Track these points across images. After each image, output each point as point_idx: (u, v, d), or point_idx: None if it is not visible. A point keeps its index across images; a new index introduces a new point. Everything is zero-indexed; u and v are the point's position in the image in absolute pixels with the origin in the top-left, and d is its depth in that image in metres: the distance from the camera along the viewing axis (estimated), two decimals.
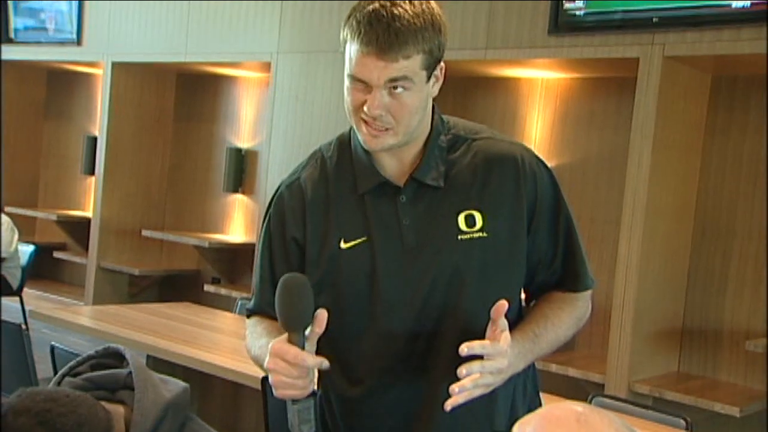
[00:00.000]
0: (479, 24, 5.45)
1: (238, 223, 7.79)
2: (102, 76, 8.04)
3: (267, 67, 6.76)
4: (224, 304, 6.28)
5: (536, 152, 1.88)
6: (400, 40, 1.61)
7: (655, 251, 4.92)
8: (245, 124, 7.79)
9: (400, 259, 1.76)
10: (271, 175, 6.60)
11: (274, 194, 1.92)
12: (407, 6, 1.64)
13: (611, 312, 4.91)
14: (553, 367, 5.15)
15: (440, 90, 1.78)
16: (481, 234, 1.75)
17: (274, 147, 6.61)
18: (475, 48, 5.46)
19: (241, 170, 7.61)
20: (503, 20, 5.36)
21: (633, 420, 3.20)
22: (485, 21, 5.44)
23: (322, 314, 1.62)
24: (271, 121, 6.65)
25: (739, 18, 4.50)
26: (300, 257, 1.83)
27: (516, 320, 1.82)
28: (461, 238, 1.75)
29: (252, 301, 1.95)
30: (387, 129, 1.68)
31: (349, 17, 1.67)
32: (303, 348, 1.60)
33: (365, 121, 1.69)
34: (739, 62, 4.87)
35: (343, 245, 1.78)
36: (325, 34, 6.20)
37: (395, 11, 1.62)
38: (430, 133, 1.78)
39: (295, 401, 1.61)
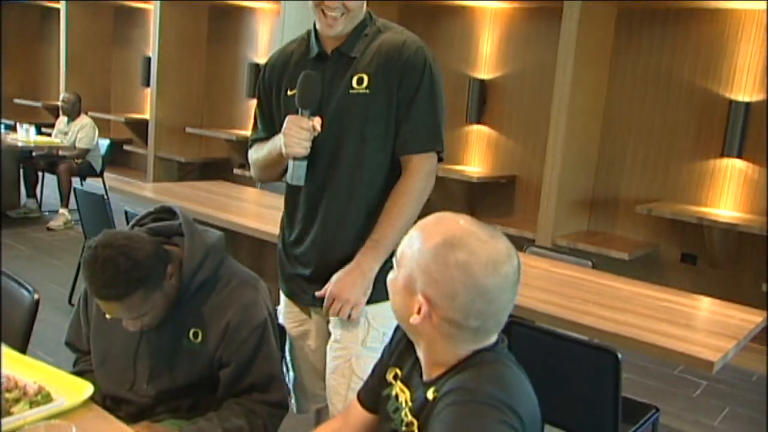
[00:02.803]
0: None
1: None
2: (153, 10, 7.83)
3: None
4: (248, 182, 6.19)
5: (426, 47, 1.82)
6: None
7: (574, 141, 4.89)
8: (261, 44, 7.62)
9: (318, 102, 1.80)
10: None
11: (264, 64, 2.00)
12: None
13: (541, 185, 4.91)
14: (498, 227, 5.10)
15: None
16: (365, 90, 1.77)
17: None
18: None
19: None
20: None
21: (555, 262, 3.19)
22: None
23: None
24: (281, 42, 6.42)
25: None
26: (268, 100, 1.94)
27: (386, 176, 1.82)
28: (350, 93, 1.78)
29: (251, 137, 2.01)
30: (342, 15, 1.74)
31: None
32: (310, 119, 1.74)
33: (324, 14, 1.75)
34: None
35: (289, 93, 1.85)
36: None
37: None
38: (359, 23, 1.81)
39: (296, 159, 1.75)
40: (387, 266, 1.73)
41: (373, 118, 1.77)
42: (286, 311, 2.01)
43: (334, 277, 1.78)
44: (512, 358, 1.23)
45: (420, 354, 1.27)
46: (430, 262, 1.16)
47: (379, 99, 1.77)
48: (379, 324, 1.80)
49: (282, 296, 2.02)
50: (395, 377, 1.36)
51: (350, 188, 1.80)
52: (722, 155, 4.70)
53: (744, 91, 4.62)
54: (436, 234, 1.19)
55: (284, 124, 1.75)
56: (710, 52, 4.75)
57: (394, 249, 1.74)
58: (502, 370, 1.18)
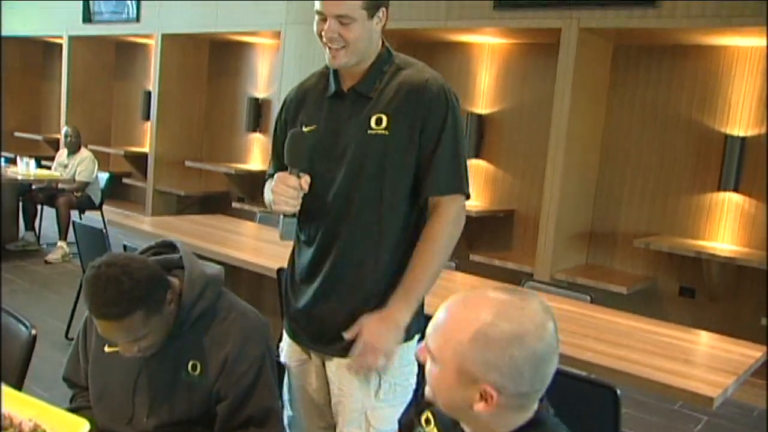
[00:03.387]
0: (441, 1, 5.33)
1: (257, 155, 7.71)
2: (154, 45, 7.93)
3: (278, 35, 6.63)
4: (247, 217, 6.21)
5: (448, 86, 1.79)
6: None
7: (572, 174, 4.91)
8: (261, 79, 7.69)
9: (332, 141, 1.79)
10: None
11: (282, 100, 1.98)
12: None
13: (539, 220, 4.93)
14: (496, 262, 5.17)
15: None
16: (384, 131, 1.74)
17: (283, 96, 6.46)
18: (437, 19, 5.34)
19: (258, 114, 7.58)
20: None
21: (553, 297, 3.19)
22: None
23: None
24: (280, 76, 6.52)
25: (633, 1, 4.50)
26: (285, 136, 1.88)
27: (402, 220, 1.78)
28: (368, 133, 1.75)
29: (268, 171, 1.99)
30: (342, 48, 1.72)
31: None
32: (298, 178, 1.72)
33: (328, 46, 1.74)
34: (633, 34, 4.82)
35: (305, 129, 1.82)
36: None
37: None
38: (375, 61, 1.79)
39: (285, 216, 1.77)
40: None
41: (392, 159, 1.74)
42: (288, 349, 1.98)
43: (365, 324, 1.70)
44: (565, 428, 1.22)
45: (473, 428, 1.22)
46: (482, 349, 1.10)
47: (399, 140, 1.73)
48: (390, 375, 1.77)
49: (284, 334, 1.99)
50: (427, 421, 1.33)
51: (365, 229, 1.76)
52: (719, 189, 4.73)
53: (739, 125, 4.67)
54: (473, 319, 1.12)
55: (273, 181, 1.75)
56: (705, 87, 4.81)
57: (424, 297, 1.73)
58: None
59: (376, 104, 1.76)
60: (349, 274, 1.78)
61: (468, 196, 1.79)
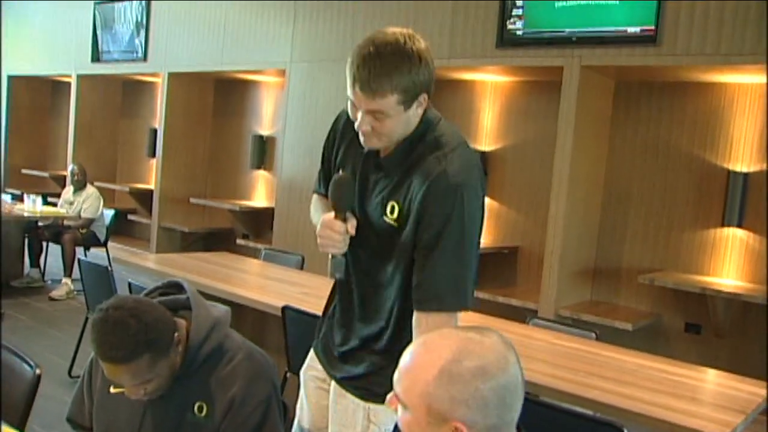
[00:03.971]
0: (444, 39, 5.41)
1: (261, 192, 7.74)
2: (161, 83, 8.02)
3: (282, 73, 6.70)
4: (251, 254, 6.22)
5: (470, 185, 1.64)
6: (378, 84, 1.54)
7: (575, 210, 4.92)
8: (266, 117, 7.75)
9: (360, 203, 1.76)
10: (286, 155, 6.56)
11: (340, 112, 1.89)
12: (391, 56, 1.55)
13: (543, 256, 4.92)
14: (500, 298, 5.15)
15: None
16: (394, 222, 1.69)
17: (288, 134, 6.55)
18: (441, 57, 5.39)
19: (263, 152, 7.63)
20: (462, 36, 5.33)
21: (558, 334, 3.18)
22: (449, 37, 5.40)
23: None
24: (285, 114, 6.58)
25: (634, 39, 4.56)
26: (331, 158, 1.89)
27: (399, 304, 1.73)
28: (384, 218, 1.71)
29: (315, 185, 1.98)
30: (374, 137, 1.65)
31: (352, 53, 1.60)
32: (344, 222, 1.71)
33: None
34: (634, 72, 4.87)
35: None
36: (326, 48, 6.13)
37: (379, 59, 1.54)
38: (410, 135, 1.68)
39: (333, 256, 1.78)
40: (386, 365, 1.69)
41: (400, 251, 1.69)
42: (311, 363, 1.98)
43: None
44: None
45: None
46: (447, 386, 1.12)
47: (406, 234, 1.67)
48: (380, 421, 1.76)
49: (312, 352, 1.98)
50: None
51: (384, 295, 1.75)
52: (723, 224, 4.73)
53: (741, 161, 4.69)
54: (435, 359, 1.15)
55: (318, 225, 1.74)
56: (707, 124, 4.84)
57: None
58: None
59: (395, 189, 1.69)
60: (369, 313, 1.80)
61: (465, 308, 1.66)
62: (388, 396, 1.22)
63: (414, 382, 1.15)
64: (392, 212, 1.68)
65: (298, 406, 2.01)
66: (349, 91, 1.61)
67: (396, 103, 1.57)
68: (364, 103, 1.58)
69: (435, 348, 1.16)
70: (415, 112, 1.64)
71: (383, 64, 1.54)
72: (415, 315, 1.65)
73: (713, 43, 4.25)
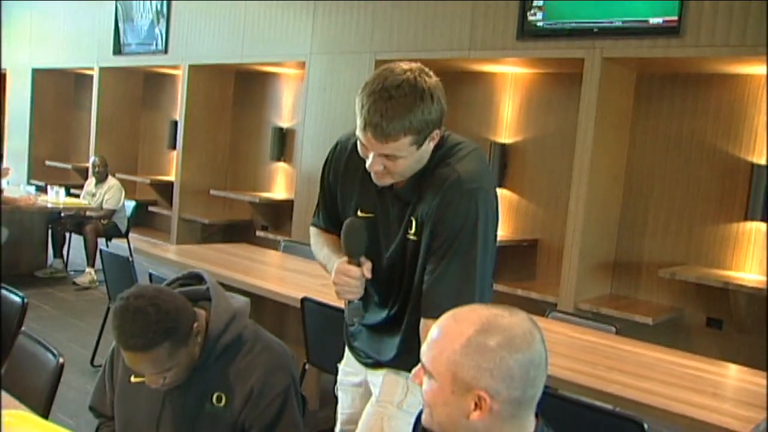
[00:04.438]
0: (464, 32, 5.37)
1: (281, 184, 7.77)
2: (181, 75, 8.05)
3: (302, 65, 6.70)
4: (271, 245, 6.24)
5: (484, 189, 1.64)
6: (390, 128, 1.51)
7: (596, 204, 4.88)
8: (285, 109, 7.76)
9: (385, 232, 1.76)
10: (305, 147, 6.57)
11: (333, 147, 1.89)
12: (403, 98, 1.51)
13: (563, 249, 4.89)
14: (519, 291, 5.13)
15: None
16: (413, 237, 1.70)
17: (307, 126, 6.55)
18: (461, 49, 5.37)
19: (283, 144, 7.64)
20: (482, 29, 5.28)
21: (578, 328, 3.16)
22: (469, 29, 5.35)
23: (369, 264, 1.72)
24: (305, 106, 6.59)
25: (656, 31, 4.49)
26: (332, 195, 1.88)
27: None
28: (407, 237, 1.72)
29: (314, 217, 1.97)
30: (386, 175, 1.64)
31: (361, 91, 1.56)
32: (360, 266, 1.70)
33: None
34: (656, 63, 4.80)
35: (359, 213, 1.78)
36: (346, 40, 6.11)
37: (390, 103, 1.50)
38: (423, 166, 1.68)
39: (350, 302, 1.74)
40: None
41: (419, 267, 1.70)
42: (346, 363, 2.03)
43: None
44: None
45: None
46: (474, 355, 1.15)
47: (423, 248, 1.68)
48: (419, 391, 1.78)
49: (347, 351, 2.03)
50: None
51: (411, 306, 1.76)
52: (746, 218, 4.67)
53: (766, 154, 4.62)
54: (464, 330, 1.18)
55: (333, 273, 1.72)
56: (731, 116, 4.77)
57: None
58: None
59: (414, 207, 1.70)
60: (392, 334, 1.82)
61: None
62: (414, 369, 1.25)
63: (441, 351, 1.19)
64: (411, 228, 1.70)
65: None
66: (359, 132, 1.57)
67: (409, 144, 1.55)
68: (376, 147, 1.56)
69: (464, 319, 1.20)
70: (428, 148, 1.63)
71: (395, 106, 1.50)
72: (422, 320, 1.66)
73: (738, 34, 4.18)
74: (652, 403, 2.19)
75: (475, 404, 1.16)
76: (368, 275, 1.70)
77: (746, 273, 4.67)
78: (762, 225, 4.62)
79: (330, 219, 1.90)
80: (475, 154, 1.71)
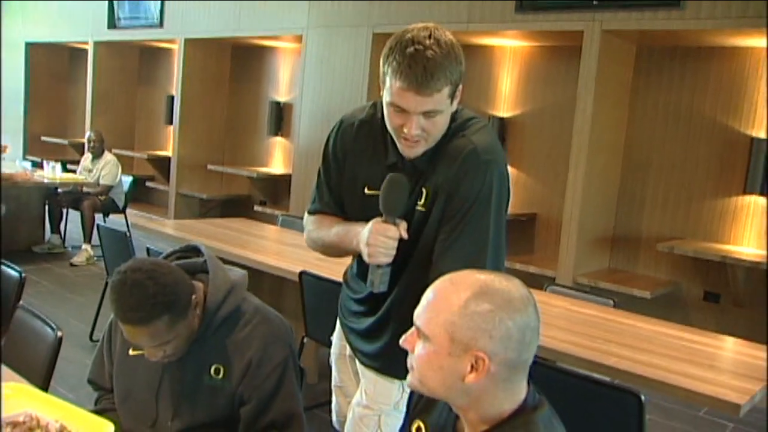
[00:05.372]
0: (463, 4, 5.32)
1: (279, 158, 7.74)
2: (177, 50, 7.99)
3: (299, 39, 6.64)
4: (269, 220, 6.24)
5: (500, 161, 1.64)
6: (435, 79, 1.52)
7: (594, 177, 4.88)
8: (283, 83, 7.71)
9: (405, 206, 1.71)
10: (303, 122, 6.53)
11: (335, 127, 1.86)
12: (437, 48, 1.52)
13: (561, 223, 4.90)
14: (517, 265, 5.14)
15: None
16: (421, 208, 1.68)
17: (305, 100, 6.51)
18: (459, 22, 5.32)
19: (280, 118, 7.59)
20: (481, 1, 5.23)
21: (576, 301, 3.17)
22: (467, 1, 5.30)
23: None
24: (302, 80, 6.54)
25: (656, 2, 4.45)
26: (339, 174, 1.82)
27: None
28: (416, 209, 1.69)
29: (311, 204, 1.89)
30: (422, 140, 1.62)
31: (388, 55, 1.55)
32: (396, 225, 1.63)
33: (404, 137, 1.62)
34: (656, 36, 4.76)
35: (366, 191, 1.74)
36: (344, 12, 6.05)
37: (428, 54, 1.51)
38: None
39: (379, 266, 1.63)
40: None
41: (426, 238, 1.66)
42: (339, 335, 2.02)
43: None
44: (558, 421, 1.24)
45: (464, 414, 1.24)
46: (473, 316, 1.15)
47: (433, 219, 1.65)
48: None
49: (338, 325, 2.01)
50: (419, 430, 1.35)
51: (411, 284, 1.68)
52: (744, 192, 4.66)
53: (765, 128, 4.60)
54: (461, 291, 1.18)
55: (366, 233, 1.63)
56: (731, 90, 4.75)
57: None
58: None
59: (427, 178, 1.68)
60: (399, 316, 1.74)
61: None
62: (405, 335, 1.24)
63: (438, 313, 1.18)
64: (420, 198, 1.67)
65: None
66: (393, 98, 1.57)
67: (447, 95, 1.56)
68: (419, 104, 1.54)
69: (461, 281, 1.20)
70: (454, 107, 1.63)
71: (434, 56, 1.51)
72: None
73: (740, 6, 4.14)
74: (649, 375, 2.21)
75: (472, 366, 1.16)
76: (405, 235, 1.62)
77: (744, 247, 4.68)
78: (760, 199, 4.62)
79: (337, 202, 1.83)
80: (488, 128, 1.74)
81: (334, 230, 1.78)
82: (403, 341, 1.24)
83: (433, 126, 1.59)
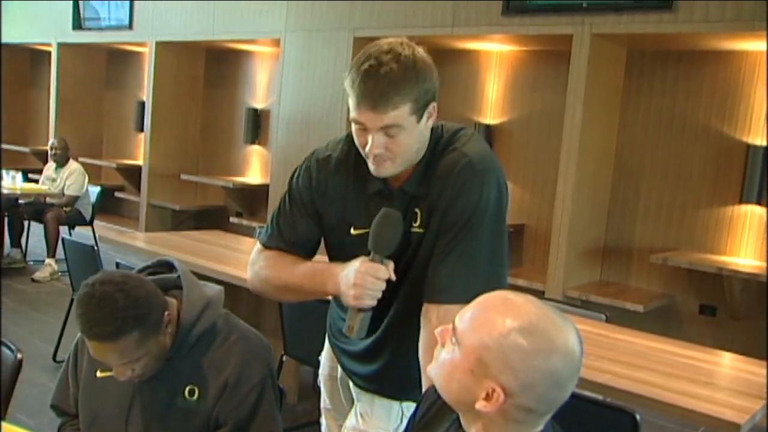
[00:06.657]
0: (447, 7, 5.35)
1: (256, 168, 7.73)
2: (148, 53, 7.97)
3: (277, 42, 6.64)
4: (245, 232, 6.22)
5: (497, 172, 1.62)
6: (388, 96, 1.50)
7: (585, 186, 4.91)
8: (260, 89, 7.71)
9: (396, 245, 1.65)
10: (281, 130, 6.53)
11: (307, 161, 1.80)
12: (394, 65, 1.50)
13: (551, 234, 4.92)
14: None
15: None
16: (419, 230, 1.64)
17: (283, 107, 6.51)
18: (444, 26, 5.35)
19: (257, 126, 7.59)
20: (466, 4, 5.27)
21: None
22: (452, 4, 5.34)
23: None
24: (280, 86, 6.54)
25: (648, 5, 4.52)
26: (315, 215, 1.76)
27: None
28: (411, 231, 1.65)
29: (268, 237, 1.81)
30: (387, 160, 1.58)
31: (349, 71, 1.55)
32: (384, 265, 1.57)
33: (370, 156, 1.59)
34: (648, 40, 4.83)
35: (353, 231, 1.69)
36: (324, 15, 6.06)
37: (382, 71, 1.50)
38: (423, 156, 1.64)
39: (361, 310, 1.57)
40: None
41: (423, 260, 1.63)
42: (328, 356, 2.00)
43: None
44: None
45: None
46: (508, 349, 1.12)
47: (429, 236, 1.62)
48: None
49: (327, 345, 1.99)
50: None
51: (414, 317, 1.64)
52: (741, 201, 4.71)
53: (762, 134, 4.66)
54: (508, 318, 1.15)
55: (352, 273, 1.56)
56: (726, 95, 4.80)
57: None
58: None
59: (420, 199, 1.64)
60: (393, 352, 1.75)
61: None
62: (441, 327, 1.23)
63: (477, 328, 1.16)
64: (416, 220, 1.64)
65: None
66: (354, 114, 1.56)
67: (409, 113, 1.54)
68: (375, 120, 1.53)
69: (514, 308, 1.17)
70: (426, 125, 1.60)
71: (388, 72, 1.50)
72: (425, 307, 1.61)
73: (734, 8, 4.20)
74: (644, 393, 2.21)
75: (487, 394, 1.14)
76: (393, 276, 1.58)
77: (741, 258, 4.73)
78: (757, 208, 4.67)
79: (298, 243, 1.76)
80: (478, 137, 1.72)
81: (299, 270, 1.72)
82: (439, 332, 1.23)
83: (396, 145, 1.56)
